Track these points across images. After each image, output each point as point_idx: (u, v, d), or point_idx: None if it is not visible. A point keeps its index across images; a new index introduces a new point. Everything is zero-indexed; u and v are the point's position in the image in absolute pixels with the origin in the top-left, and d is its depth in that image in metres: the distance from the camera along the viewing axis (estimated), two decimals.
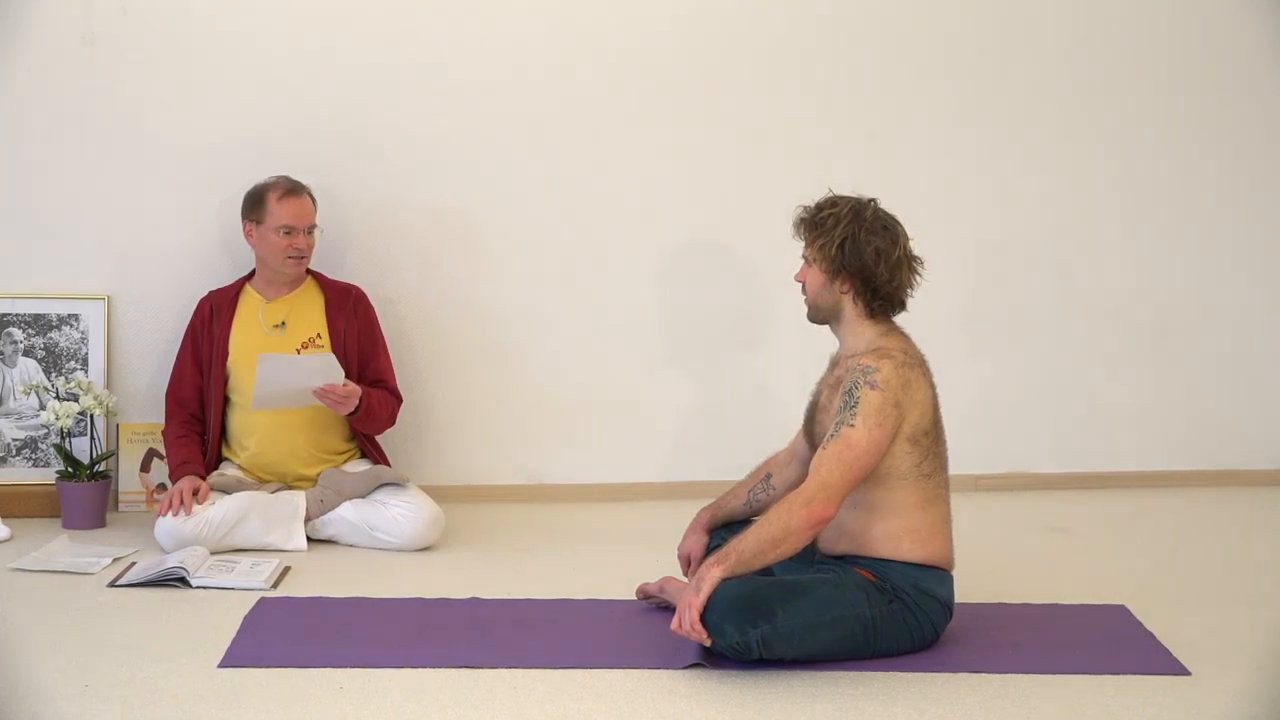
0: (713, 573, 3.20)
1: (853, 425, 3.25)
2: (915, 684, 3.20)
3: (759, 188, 4.99)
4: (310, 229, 4.43)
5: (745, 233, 5.00)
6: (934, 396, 3.37)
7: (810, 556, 3.45)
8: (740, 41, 4.95)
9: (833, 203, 3.42)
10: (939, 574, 3.37)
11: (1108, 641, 3.50)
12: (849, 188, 4.98)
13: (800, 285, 3.48)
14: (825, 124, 5.01)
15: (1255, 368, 5.30)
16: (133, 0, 4.64)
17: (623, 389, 5.01)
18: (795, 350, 5.04)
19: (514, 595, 3.84)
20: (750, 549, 3.22)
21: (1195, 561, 4.30)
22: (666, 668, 3.26)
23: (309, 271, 4.55)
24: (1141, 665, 3.33)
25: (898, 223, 3.41)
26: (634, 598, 3.74)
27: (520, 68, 4.87)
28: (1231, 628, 3.61)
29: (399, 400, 4.55)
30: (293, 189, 4.41)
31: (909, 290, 3.41)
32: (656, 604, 3.70)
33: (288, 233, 4.38)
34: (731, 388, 5.05)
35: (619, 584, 3.86)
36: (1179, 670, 3.30)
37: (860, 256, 3.34)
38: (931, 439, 3.34)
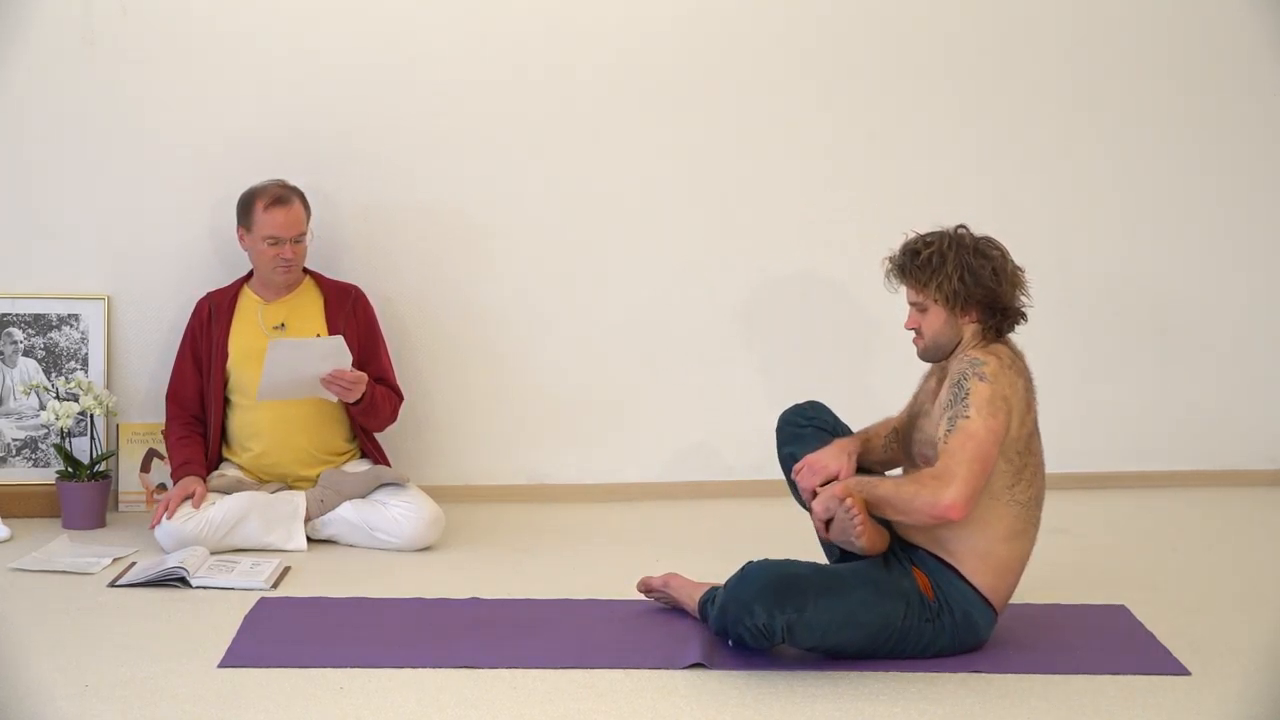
0: (852, 492, 3.26)
1: (967, 417, 3.21)
2: (915, 684, 3.20)
3: (759, 188, 4.99)
4: (298, 238, 4.40)
5: (746, 233, 5.00)
6: (1034, 415, 3.32)
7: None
8: (740, 41, 4.95)
9: (926, 241, 3.36)
10: (989, 613, 3.35)
11: (1108, 641, 3.50)
12: (850, 188, 5.02)
13: (914, 332, 3.41)
14: (825, 124, 5.01)
15: (1255, 368, 5.30)
16: (133, 0, 4.65)
17: (623, 389, 5.01)
18: (796, 350, 5.04)
19: (514, 595, 3.84)
20: (880, 498, 3.25)
21: (1195, 561, 4.30)
22: (666, 668, 3.27)
23: (308, 272, 4.55)
24: (1141, 665, 3.33)
25: (993, 238, 3.39)
26: (633, 597, 3.74)
27: (520, 68, 4.86)
28: (1231, 628, 3.61)
29: (400, 398, 4.55)
30: (280, 198, 4.37)
31: (1026, 301, 3.38)
32: (658, 599, 3.68)
33: (273, 243, 4.36)
34: (732, 388, 5.04)
35: (619, 584, 3.86)
36: (1179, 670, 3.30)
37: (981, 282, 3.30)
38: (1024, 460, 3.30)
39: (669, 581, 3.66)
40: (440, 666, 3.26)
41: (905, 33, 5.01)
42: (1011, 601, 3.74)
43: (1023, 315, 3.38)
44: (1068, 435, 5.22)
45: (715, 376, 5.04)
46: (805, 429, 3.66)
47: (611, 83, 4.91)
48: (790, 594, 3.16)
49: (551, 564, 4.18)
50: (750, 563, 3.27)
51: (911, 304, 3.40)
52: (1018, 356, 3.37)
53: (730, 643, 3.30)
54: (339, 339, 4.26)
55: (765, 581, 3.17)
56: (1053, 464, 5.11)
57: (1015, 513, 3.31)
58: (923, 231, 3.40)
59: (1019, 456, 3.29)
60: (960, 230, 3.37)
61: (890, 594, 3.25)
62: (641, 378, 5.01)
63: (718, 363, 5.04)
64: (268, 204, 4.36)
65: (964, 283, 3.30)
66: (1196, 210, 5.22)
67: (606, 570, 4.07)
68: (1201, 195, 5.22)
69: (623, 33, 4.89)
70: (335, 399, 4.30)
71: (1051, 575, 4.07)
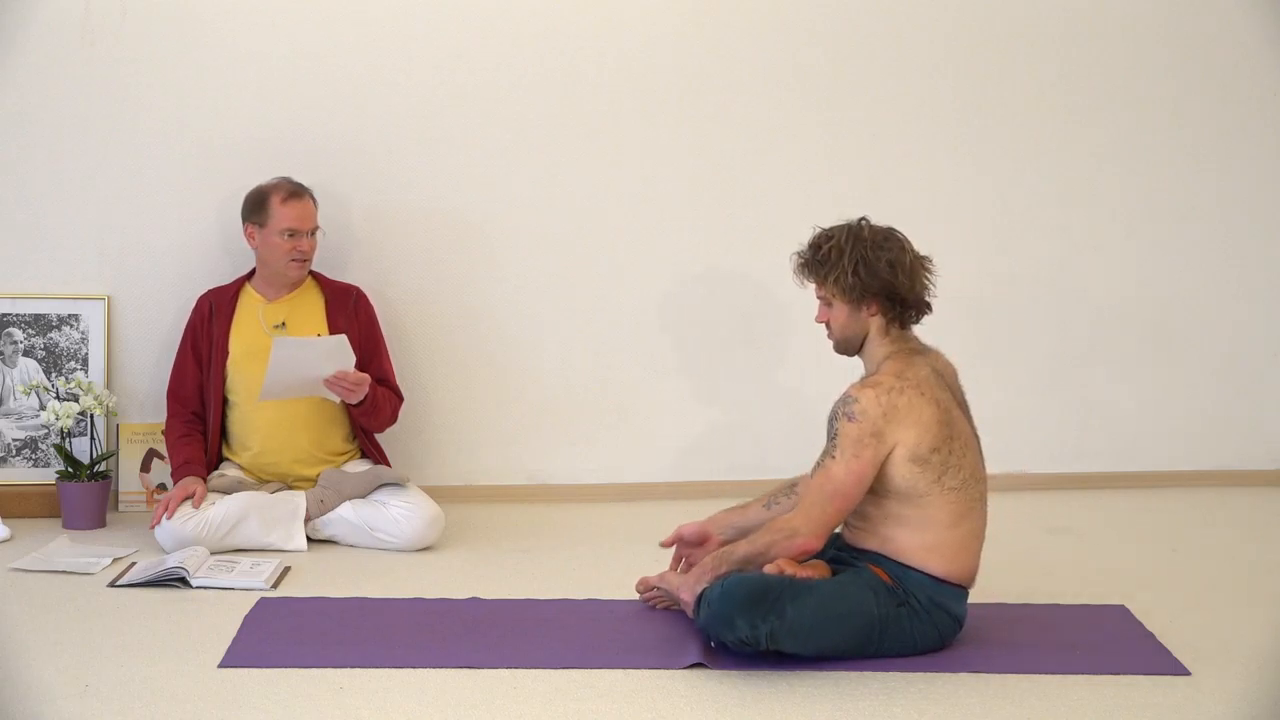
0: (706, 576, 3.37)
1: (833, 458, 3.30)
2: (915, 684, 3.20)
3: (761, 189, 4.99)
4: (313, 231, 4.43)
5: (747, 233, 4.99)
6: (941, 413, 3.32)
7: (827, 547, 3.49)
8: (743, 43, 4.94)
9: (827, 236, 3.41)
10: (956, 591, 3.37)
11: (1108, 641, 3.50)
12: (852, 190, 5.02)
13: (824, 326, 3.46)
14: (826, 126, 5.00)
15: (1255, 368, 5.31)
16: (133, 0, 4.65)
17: (623, 389, 5.01)
18: (796, 351, 5.04)
19: (514, 595, 3.84)
20: (743, 559, 3.36)
21: (1195, 561, 4.30)
22: (666, 668, 3.27)
23: (309, 272, 4.55)
24: (1141, 665, 3.33)
25: (894, 230, 3.41)
26: (634, 597, 3.75)
27: (521, 69, 4.86)
28: (1231, 628, 3.61)
29: (400, 399, 4.56)
30: (295, 191, 4.41)
31: (929, 290, 3.41)
32: (657, 593, 3.67)
33: (291, 235, 4.38)
34: (731, 388, 5.05)
35: (619, 584, 3.86)
36: (1179, 670, 3.30)
37: (877, 274, 3.33)
38: (944, 455, 3.31)
39: (665, 577, 3.68)
40: (440, 666, 3.26)
41: (906, 34, 5.02)
42: (1011, 601, 3.76)
43: (928, 306, 3.41)
44: (1068, 435, 5.24)
45: (715, 377, 5.04)
46: None
47: (611, 84, 4.91)
48: (767, 602, 3.20)
49: (551, 564, 4.18)
50: (730, 577, 3.31)
51: (819, 298, 3.45)
52: (908, 369, 3.34)
53: (712, 644, 3.34)
54: (342, 338, 4.26)
55: (744, 594, 3.21)
56: (1054, 464, 5.20)
57: (953, 498, 3.34)
58: (827, 226, 3.44)
59: (935, 455, 3.30)
60: (861, 222, 3.41)
61: (857, 585, 3.30)
62: (641, 377, 5.02)
63: (719, 363, 5.04)
64: (285, 197, 4.38)
65: (858, 276, 3.34)
66: (1197, 210, 5.23)
67: (606, 570, 4.07)
68: (1202, 196, 5.22)
69: (622, 35, 4.89)
70: (338, 399, 4.31)
71: (1051, 575, 4.07)
